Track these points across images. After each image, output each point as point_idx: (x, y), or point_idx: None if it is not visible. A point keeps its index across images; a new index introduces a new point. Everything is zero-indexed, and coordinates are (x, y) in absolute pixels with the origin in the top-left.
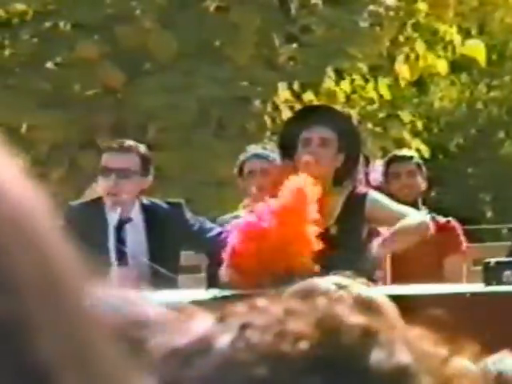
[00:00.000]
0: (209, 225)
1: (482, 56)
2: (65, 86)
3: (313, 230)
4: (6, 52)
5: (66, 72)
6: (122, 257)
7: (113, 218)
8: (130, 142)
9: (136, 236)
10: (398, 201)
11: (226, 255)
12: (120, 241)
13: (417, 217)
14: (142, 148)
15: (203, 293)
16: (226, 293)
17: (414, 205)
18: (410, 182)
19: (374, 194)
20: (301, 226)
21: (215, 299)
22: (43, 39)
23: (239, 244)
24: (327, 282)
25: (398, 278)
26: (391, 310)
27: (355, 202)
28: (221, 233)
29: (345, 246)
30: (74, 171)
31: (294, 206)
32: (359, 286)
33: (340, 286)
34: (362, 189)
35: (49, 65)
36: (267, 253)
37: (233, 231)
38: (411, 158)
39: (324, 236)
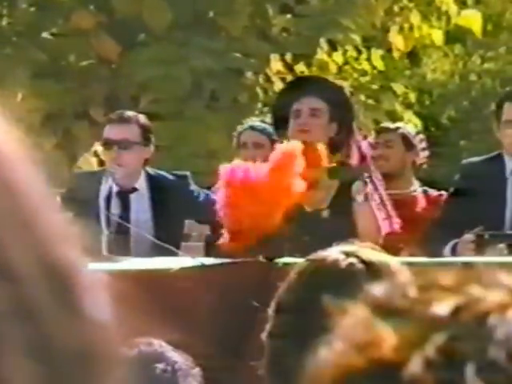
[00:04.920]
0: (214, 196)
1: (477, 27)
2: (60, 56)
3: (299, 188)
4: (3, 22)
5: (61, 42)
6: (121, 225)
7: (105, 187)
8: (129, 113)
9: (140, 205)
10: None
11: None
12: (125, 210)
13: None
14: (142, 118)
15: (190, 260)
16: (214, 261)
17: (394, 176)
18: (385, 152)
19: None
20: (287, 185)
21: (203, 267)
22: (40, 8)
23: (226, 197)
24: (334, 251)
25: (391, 252)
26: (405, 273)
27: (350, 186)
28: None
29: (336, 231)
30: (68, 141)
31: (282, 164)
32: (368, 252)
33: (348, 254)
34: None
35: (45, 35)
36: (254, 203)
37: (220, 187)
38: (394, 129)
39: (315, 219)
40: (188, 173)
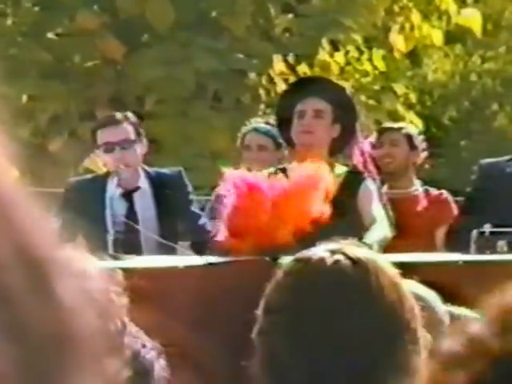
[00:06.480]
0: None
1: (477, 26)
2: (65, 56)
3: (311, 216)
4: (8, 21)
5: (66, 42)
6: (128, 226)
7: (110, 188)
8: (118, 114)
9: (144, 203)
10: (381, 170)
11: (223, 213)
12: (130, 210)
13: (381, 231)
14: (131, 115)
15: (197, 259)
16: (220, 259)
17: (399, 175)
18: (391, 151)
19: (369, 183)
20: (302, 208)
21: (209, 265)
22: (44, 8)
23: (236, 199)
24: (320, 249)
25: (389, 249)
26: (392, 270)
27: (351, 186)
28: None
29: (336, 230)
30: (73, 142)
31: (303, 188)
32: (353, 249)
33: (333, 251)
34: (360, 172)
35: (50, 35)
36: (261, 214)
37: (228, 187)
38: (398, 128)
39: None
40: (181, 168)
